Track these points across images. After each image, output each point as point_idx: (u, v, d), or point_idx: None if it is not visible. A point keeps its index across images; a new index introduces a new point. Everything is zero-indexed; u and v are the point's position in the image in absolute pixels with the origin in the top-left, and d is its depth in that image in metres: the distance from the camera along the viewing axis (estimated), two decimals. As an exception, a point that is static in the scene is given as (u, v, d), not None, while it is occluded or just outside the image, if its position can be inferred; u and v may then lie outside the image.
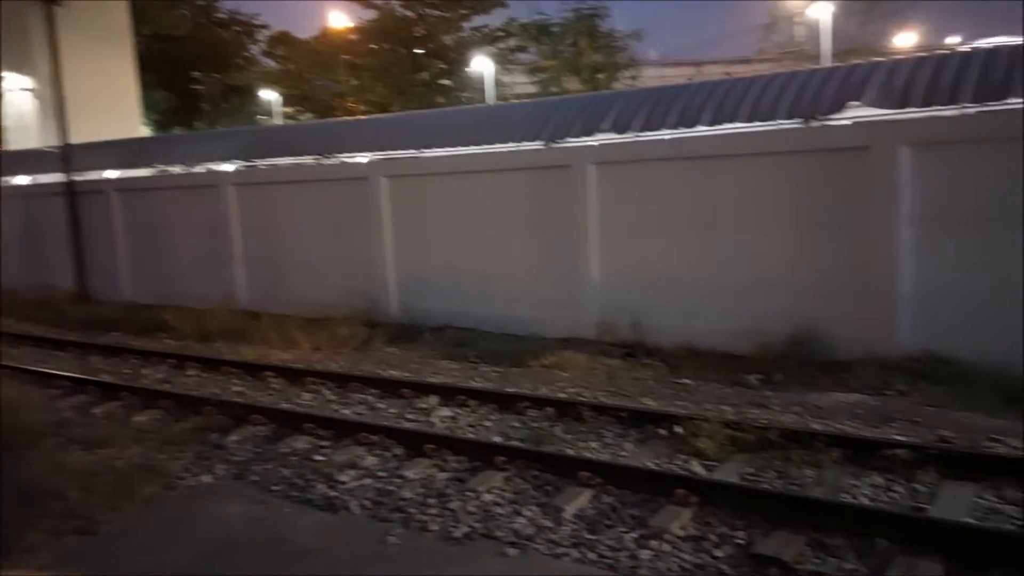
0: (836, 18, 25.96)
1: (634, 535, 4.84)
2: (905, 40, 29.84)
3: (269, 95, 35.17)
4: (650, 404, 7.16)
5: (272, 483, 5.92)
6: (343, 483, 5.81)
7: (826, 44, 25.47)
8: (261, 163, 13.16)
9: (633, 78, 29.20)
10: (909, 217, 7.69)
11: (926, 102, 7.63)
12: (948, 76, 7.72)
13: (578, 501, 5.30)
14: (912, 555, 4.30)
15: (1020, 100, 7.17)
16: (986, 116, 7.32)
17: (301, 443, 6.63)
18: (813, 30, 27.06)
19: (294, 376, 8.73)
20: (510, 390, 7.71)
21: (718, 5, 67.76)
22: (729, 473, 5.61)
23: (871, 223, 7.88)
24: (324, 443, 6.63)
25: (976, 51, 8.20)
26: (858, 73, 8.43)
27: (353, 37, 32.02)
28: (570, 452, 6.14)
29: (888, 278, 7.86)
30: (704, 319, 8.82)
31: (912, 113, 7.70)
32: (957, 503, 4.87)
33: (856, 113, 8.08)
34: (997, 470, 5.19)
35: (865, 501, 5.07)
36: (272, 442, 6.77)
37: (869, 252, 7.93)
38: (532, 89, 29.01)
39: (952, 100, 7.48)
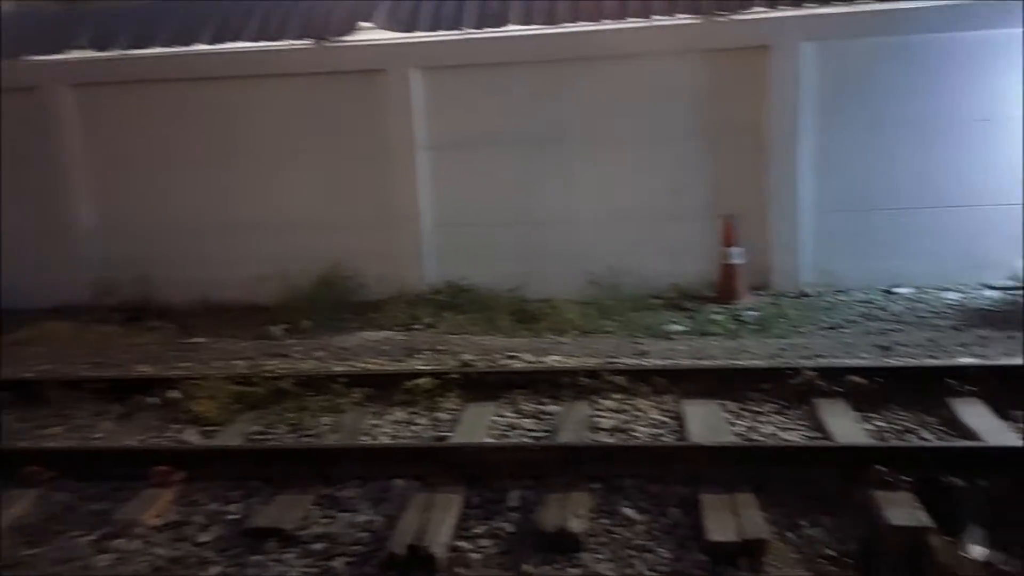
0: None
1: (92, 538, 3.60)
2: None
3: None
4: (144, 371, 5.82)
5: None
6: None
7: None
8: None
9: None
10: (427, 144, 7.46)
11: (433, 26, 7.38)
12: (452, 2, 7.57)
13: (16, 508, 3.85)
14: (431, 489, 3.79)
15: (517, 27, 7.28)
16: (485, 42, 7.34)
17: None
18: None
19: None
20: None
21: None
22: (232, 436, 4.62)
23: (392, 151, 7.50)
24: None
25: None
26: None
27: None
28: (19, 445, 4.58)
29: (412, 210, 7.58)
30: (223, 269, 7.66)
31: (420, 37, 7.40)
32: (476, 425, 4.54)
33: (369, 36, 7.55)
34: (515, 384, 5.03)
35: (385, 440, 4.50)
36: None
37: (392, 182, 7.56)
38: None
39: (456, 24, 7.33)
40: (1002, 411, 4.34)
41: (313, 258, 7.47)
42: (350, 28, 7.46)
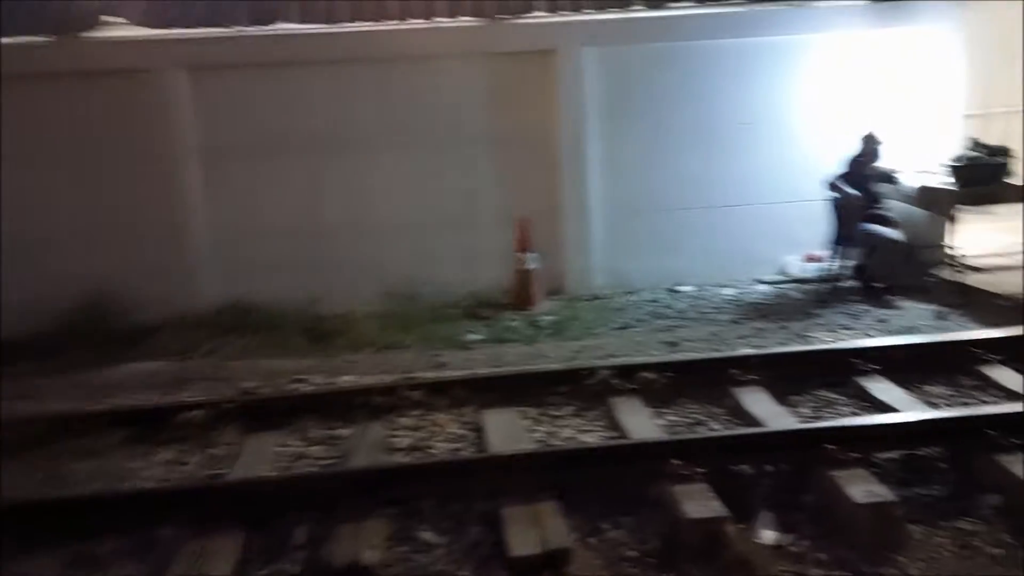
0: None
1: None
2: None
3: None
4: None
5: None
6: None
7: None
8: None
9: None
10: (198, 149, 6.84)
11: (199, 23, 6.78)
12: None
13: None
14: (204, 535, 3.33)
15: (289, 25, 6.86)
16: (258, 39, 6.87)
17: None
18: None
19: None
20: None
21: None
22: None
23: (161, 158, 6.80)
24: None
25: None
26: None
27: None
28: None
29: (184, 223, 6.90)
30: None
31: (183, 34, 6.78)
32: (257, 459, 4.10)
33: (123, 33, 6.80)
34: (303, 410, 4.62)
35: (149, 484, 3.95)
36: None
37: (161, 193, 6.84)
38: None
39: (226, 22, 6.78)
40: (780, 397, 4.55)
41: (71, 279, 6.60)
42: (93, 23, 6.66)
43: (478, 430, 4.32)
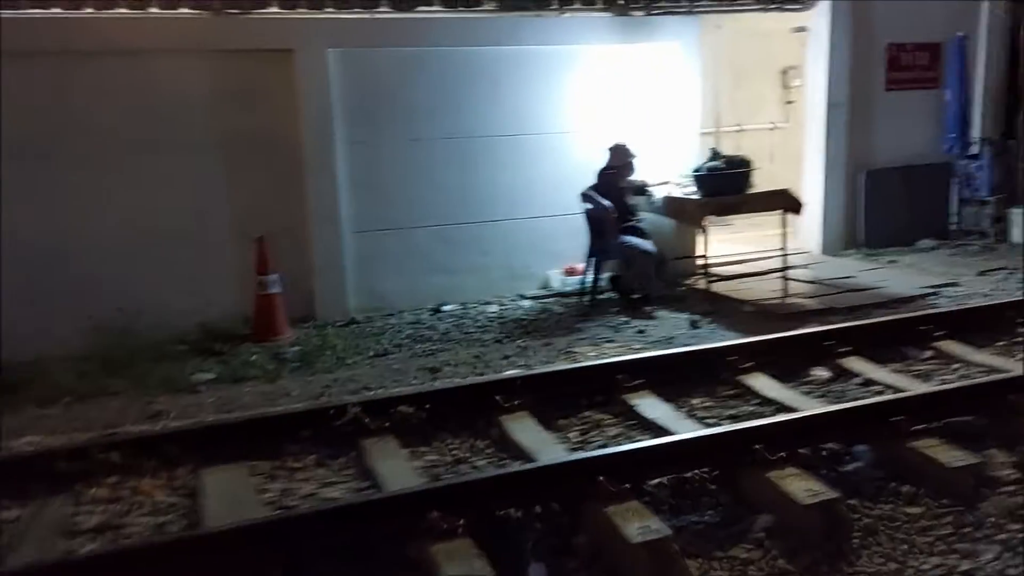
0: None
1: None
2: None
3: None
4: None
5: None
6: None
7: None
8: None
9: None
10: None
11: None
12: None
13: None
14: None
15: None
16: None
17: None
18: None
19: None
20: None
21: None
22: None
23: None
24: None
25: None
26: None
27: None
28: None
29: None
30: None
31: None
32: None
33: None
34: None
35: None
36: None
37: None
38: None
39: None
40: (548, 422, 4.19)
41: None
42: None
43: (193, 495, 3.50)
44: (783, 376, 4.71)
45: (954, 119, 8.12)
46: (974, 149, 8.19)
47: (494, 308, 6.91)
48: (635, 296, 6.79)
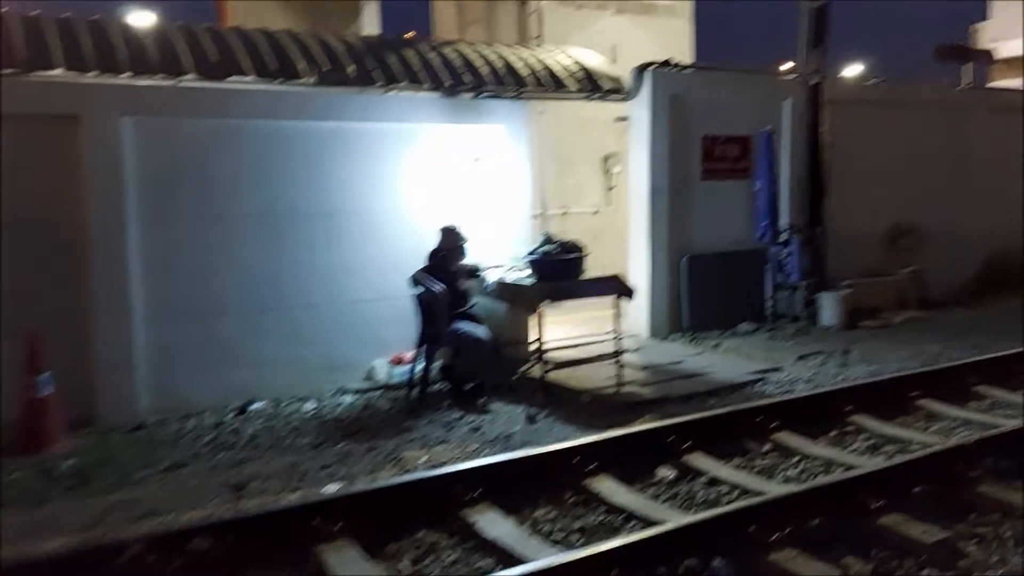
0: None
1: None
2: None
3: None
4: None
5: None
6: None
7: None
8: None
9: None
10: None
11: None
12: None
13: None
14: None
15: None
16: None
17: None
18: None
19: None
20: None
21: None
22: None
23: None
24: None
25: None
26: None
27: None
28: None
29: None
30: None
31: None
32: None
33: None
34: None
35: None
36: None
37: None
38: None
39: None
40: (374, 550, 3.61)
41: None
42: None
43: None
44: (628, 477, 4.43)
45: (765, 207, 8.51)
46: (784, 236, 8.59)
47: (311, 405, 6.23)
48: (468, 386, 6.37)
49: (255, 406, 6.12)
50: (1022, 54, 14.20)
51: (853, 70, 14.15)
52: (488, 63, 7.70)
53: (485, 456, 4.77)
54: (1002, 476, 4.23)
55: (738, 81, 8.85)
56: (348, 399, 6.38)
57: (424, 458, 4.92)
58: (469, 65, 7.57)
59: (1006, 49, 14.69)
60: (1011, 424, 5.02)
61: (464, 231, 6.56)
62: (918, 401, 5.68)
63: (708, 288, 8.40)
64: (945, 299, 9.62)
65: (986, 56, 13.20)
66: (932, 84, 10.57)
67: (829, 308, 8.46)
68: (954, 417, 5.40)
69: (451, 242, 6.50)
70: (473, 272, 6.67)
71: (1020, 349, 6.62)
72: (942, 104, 10.22)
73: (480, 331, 6.31)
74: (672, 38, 11.13)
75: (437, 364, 6.51)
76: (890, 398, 5.65)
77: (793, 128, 8.82)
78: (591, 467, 4.42)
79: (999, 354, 6.53)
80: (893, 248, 9.59)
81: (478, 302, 6.69)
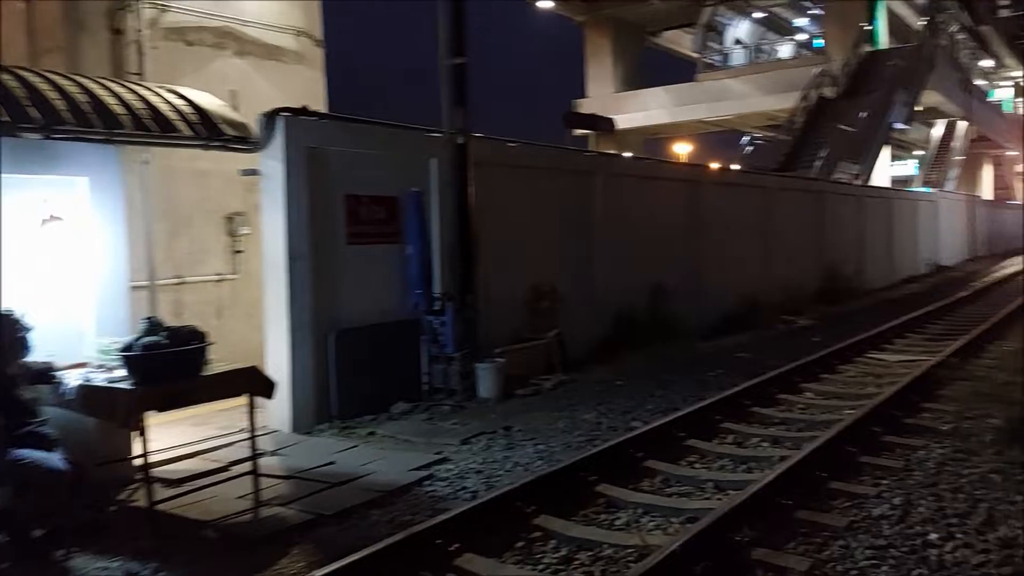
0: None
1: None
2: None
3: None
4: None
5: None
6: None
7: None
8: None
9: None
10: None
11: None
12: None
13: None
14: None
15: None
16: None
17: None
18: None
19: None
20: None
21: None
22: None
23: None
24: None
25: None
26: None
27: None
28: None
29: None
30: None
31: None
32: None
33: None
34: None
35: None
36: None
37: None
38: None
39: None
40: None
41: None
42: None
43: None
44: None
45: (418, 274, 7.76)
46: (437, 305, 7.91)
47: None
48: (38, 535, 4.52)
49: None
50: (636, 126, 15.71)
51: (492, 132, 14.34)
52: (65, 96, 5.92)
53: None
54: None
55: (383, 136, 8.06)
56: None
57: None
58: (38, 97, 5.74)
59: (622, 121, 16.25)
60: (693, 505, 4.73)
61: (27, 318, 4.74)
62: (597, 487, 5.20)
63: (359, 367, 7.35)
64: (584, 358, 9.70)
65: (608, 124, 14.31)
66: (564, 148, 10.84)
67: (485, 379, 7.91)
68: (636, 503, 4.98)
69: (6, 335, 4.64)
70: (42, 375, 4.85)
71: (669, 418, 6.55)
72: (574, 168, 10.48)
73: (54, 458, 4.52)
74: (302, 87, 10.03)
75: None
76: (569, 489, 5.09)
77: (441, 189, 8.22)
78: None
79: (656, 424, 6.39)
80: (535, 312, 9.45)
81: (52, 415, 4.86)
